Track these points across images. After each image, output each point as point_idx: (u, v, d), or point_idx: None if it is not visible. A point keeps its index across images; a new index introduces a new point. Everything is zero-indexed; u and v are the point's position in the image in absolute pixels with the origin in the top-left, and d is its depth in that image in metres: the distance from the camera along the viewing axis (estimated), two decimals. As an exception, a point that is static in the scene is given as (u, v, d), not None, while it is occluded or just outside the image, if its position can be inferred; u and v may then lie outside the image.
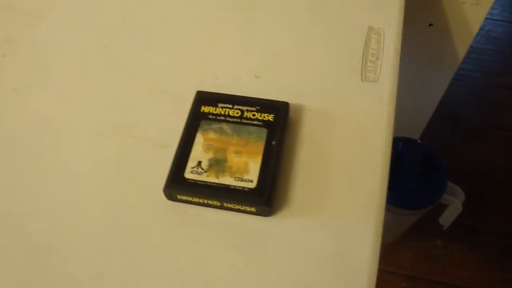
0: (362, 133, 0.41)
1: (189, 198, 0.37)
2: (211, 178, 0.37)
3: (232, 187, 0.36)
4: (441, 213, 1.04)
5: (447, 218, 1.03)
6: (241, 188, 0.36)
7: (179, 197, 0.37)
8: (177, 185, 0.37)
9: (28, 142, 0.42)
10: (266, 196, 0.36)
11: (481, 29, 1.16)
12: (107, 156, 0.41)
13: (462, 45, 0.84)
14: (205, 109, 0.40)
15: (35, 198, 0.39)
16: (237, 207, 0.36)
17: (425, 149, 0.96)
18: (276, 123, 0.39)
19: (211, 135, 0.39)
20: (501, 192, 1.27)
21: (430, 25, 0.81)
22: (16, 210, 0.38)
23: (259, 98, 0.41)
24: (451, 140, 1.36)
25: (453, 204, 0.97)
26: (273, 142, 0.38)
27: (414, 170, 0.93)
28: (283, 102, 0.41)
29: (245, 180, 0.36)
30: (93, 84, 0.45)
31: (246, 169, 0.37)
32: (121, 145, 0.41)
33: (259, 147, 0.38)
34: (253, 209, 0.36)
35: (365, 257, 0.35)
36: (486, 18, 0.79)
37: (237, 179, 0.36)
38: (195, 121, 0.40)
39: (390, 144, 0.41)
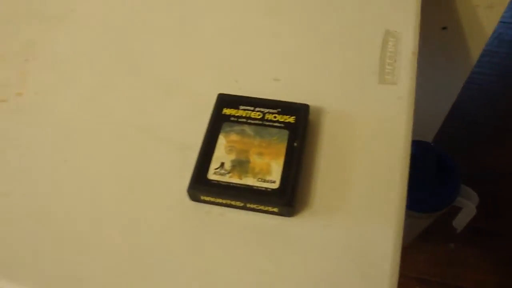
0: (381, 134, 0.42)
1: (212, 199, 0.38)
2: (234, 179, 0.37)
3: (255, 188, 0.37)
4: (455, 216, 1.04)
5: (461, 221, 1.02)
6: (263, 189, 0.37)
7: (202, 198, 0.38)
8: (201, 185, 0.37)
9: (53, 146, 0.43)
10: (288, 197, 0.36)
11: (493, 32, 1.17)
12: (130, 159, 0.41)
13: (475, 48, 0.84)
14: (227, 111, 0.41)
15: (62, 201, 0.40)
16: (260, 207, 0.37)
17: (439, 152, 0.96)
18: (297, 125, 0.40)
19: (233, 137, 0.40)
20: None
21: (444, 28, 0.81)
22: (44, 211, 0.39)
23: (279, 100, 0.42)
24: (464, 143, 1.36)
25: (467, 207, 0.97)
26: (295, 144, 0.39)
27: (428, 173, 0.93)
28: (303, 104, 0.42)
29: (267, 181, 0.37)
30: (115, 88, 0.46)
31: (269, 170, 0.37)
32: (144, 147, 0.42)
33: (281, 149, 0.39)
34: (275, 209, 0.37)
35: (387, 257, 0.35)
36: (499, 21, 0.79)
37: (259, 180, 0.37)
38: (217, 123, 0.41)
39: (410, 144, 0.42)
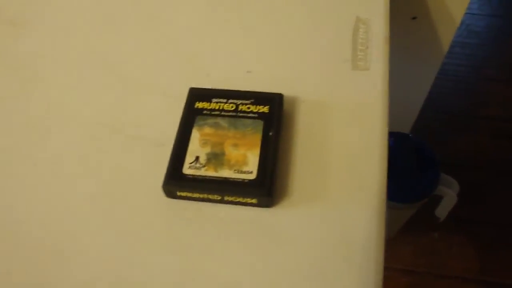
0: (358, 121, 0.41)
1: (189, 194, 0.37)
2: (210, 172, 0.36)
3: (231, 179, 0.36)
4: (436, 205, 1.05)
5: (443, 210, 1.03)
6: (241, 180, 0.36)
7: (178, 193, 0.37)
8: (176, 181, 0.36)
9: (21, 150, 0.41)
10: (267, 186, 0.35)
11: (461, 23, 1.18)
12: (103, 158, 0.40)
13: (446, 37, 0.85)
14: (199, 105, 0.40)
15: (33, 205, 0.38)
16: (238, 199, 0.36)
17: (416, 142, 0.97)
18: (272, 115, 0.39)
19: (207, 130, 0.39)
20: (494, 182, 1.28)
21: (414, 18, 0.82)
22: (13, 217, 0.38)
23: (252, 91, 0.41)
24: (440, 133, 1.38)
25: (448, 195, 0.98)
26: (270, 133, 0.38)
27: (407, 163, 0.93)
28: (276, 93, 0.41)
29: (244, 172, 0.36)
30: (84, 87, 0.45)
31: (245, 161, 0.37)
32: (117, 146, 0.41)
33: (256, 139, 0.38)
34: (254, 201, 0.36)
35: (370, 242, 0.35)
36: (466, 13, 0.80)
37: (236, 171, 0.36)
38: (190, 117, 0.40)
39: (387, 130, 0.41)
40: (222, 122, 0.39)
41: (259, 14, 0.50)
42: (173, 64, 0.46)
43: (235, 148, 0.38)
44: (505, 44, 1.60)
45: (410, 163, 0.93)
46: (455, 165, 1.23)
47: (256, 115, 0.39)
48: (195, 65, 0.46)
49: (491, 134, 1.38)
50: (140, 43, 0.48)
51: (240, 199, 0.36)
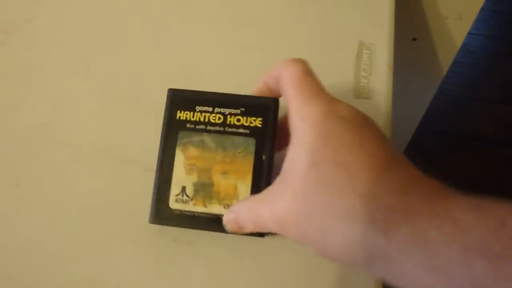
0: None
1: (177, 227, 0.35)
2: (198, 207, 0.34)
3: (222, 217, 0.33)
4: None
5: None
6: None
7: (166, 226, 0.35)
8: (163, 218, 0.34)
9: (4, 167, 0.39)
10: None
11: (459, 42, 1.18)
12: (90, 182, 0.38)
13: (445, 60, 0.84)
14: (182, 115, 0.36)
15: (14, 229, 0.36)
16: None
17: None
18: (265, 130, 0.35)
19: (192, 151, 0.35)
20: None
21: (414, 39, 0.81)
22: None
23: (242, 95, 0.37)
24: (433, 153, 1.37)
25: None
26: (263, 157, 0.35)
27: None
28: (271, 98, 0.36)
29: None
30: (72, 105, 0.43)
31: (235, 194, 0.34)
32: (105, 170, 0.39)
33: (248, 164, 0.34)
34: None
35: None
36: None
37: (226, 206, 0.34)
38: (172, 133, 0.36)
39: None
40: (208, 140, 0.35)
41: (258, 34, 0.48)
42: (166, 85, 0.44)
43: (224, 177, 0.34)
44: (500, 65, 1.60)
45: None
46: (448, 187, 1.22)
47: (247, 131, 0.35)
48: (192, 85, 0.44)
49: (484, 156, 1.37)
50: (135, 60, 0.46)
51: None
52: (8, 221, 0.36)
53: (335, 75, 0.44)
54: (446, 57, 0.83)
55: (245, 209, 0.32)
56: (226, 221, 0.32)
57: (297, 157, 0.28)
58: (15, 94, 0.44)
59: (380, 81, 0.44)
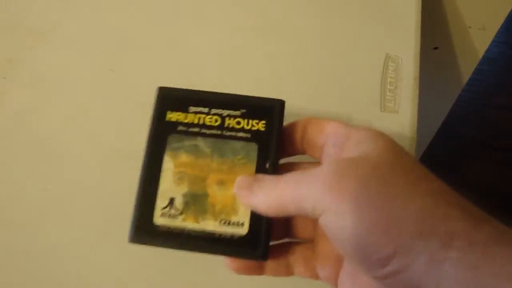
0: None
1: (163, 248, 0.29)
2: (189, 223, 0.28)
3: (217, 235, 0.28)
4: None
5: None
6: (229, 237, 0.28)
7: (149, 246, 0.29)
8: (145, 235, 0.29)
9: (32, 171, 0.40)
10: (262, 246, 0.28)
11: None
12: (114, 186, 0.39)
13: (466, 69, 0.84)
14: (172, 116, 0.31)
15: (41, 234, 0.37)
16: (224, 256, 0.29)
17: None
18: (269, 134, 0.30)
19: (184, 157, 0.30)
20: (500, 214, 1.26)
21: (435, 48, 0.80)
22: (20, 244, 0.36)
23: (242, 95, 0.32)
24: (449, 160, 1.36)
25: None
26: (267, 165, 0.29)
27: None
28: (276, 100, 0.31)
29: (233, 224, 0.29)
30: (99, 109, 0.43)
31: (234, 208, 0.29)
32: (129, 174, 0.39)
33: (248, 173, 0.29)
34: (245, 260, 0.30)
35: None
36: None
37: (223, 222, 0.28)
38: (161, 136, 0.30)
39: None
40: (203, 145, 0.30)
41: (287, 44, 0.48)
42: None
43: (221, 187, 0.29)
44: (518, 73, 1.59)
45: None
46: (462, 194, 1.21)
47: (248, 135, 0.30)
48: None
49: (501, 164, 1.36)
50: (159, 67, 0.46)
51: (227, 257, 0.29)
52: (37, 225, 0.37)
53: (362, 87, 0.44)
54: (467, 67, 0.83)
55: (268, 184, 0.27)
56: (240, 181, 0.28)
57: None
58: (43, 99, 0.44)
59: (405, 94, 0.44)
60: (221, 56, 0.47)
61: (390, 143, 0.26)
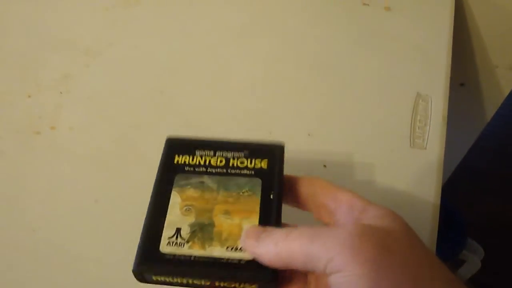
0: (409, 199, 0.42)
1: (168, 279, 0.29)
2: (195, 250, 0.29)
3: (224, 260, 0.28)
4: (457, 268, 1.04)
5: (464, 274, 1.02)
6: (236, 262, 0.28)
7: (154, 278, 0.29)
8: (151, 263, 0.28)
9: (84, 184, 0.43)
10: (271, 270, 0.28)
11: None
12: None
13: (491, 106, 0.86)
14: (180, 159, 0.32)
15: (91, 245, 0.40)
16: (232, 285, 0.29)
17: (445, 205, 0.96)
18: (272, 170, 0.32)
19: (190, 192, 0.31)
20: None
21: (462, 85, 0.83)
22: (72, 254, 0.39)
23: (244, 141, 0.33)
24: (469, 192, 1.36)
25: (472, 261, 0.97)
26: (271, 196, 0.31)
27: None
28: (276, 143, 0.33)
29: (240, 250, 0.29)
30: (148, 128, 0.47)
31: (240, 234, 0.29)
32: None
33: (254, 204, 0.30)
34: (254, 287, 0.29)
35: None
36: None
37: (229, 248, 0.29)
38: (168, 176, 0.32)
39: (438, 209, 0.42)
40: (209, 181, 0.31)
41: (321, 78, 0.51)
42: (234, 117, 0.48)
43: (228, 217, 0.30)
44: (542, 110, 1.59)
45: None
46: (481, 227, 1.22)
47: (252, 172, 0.32)
48: (256, 121, 0.47)
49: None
50: (206, 91, 0.50)
51: (236, 285, 0.29)
52: (86, 236, 0.40)
53: (393, 123, 0.47)
54: (491, 104, 0.85)
55: (279, 234, 0.27)
56: (248, 231, 0.29)
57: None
58: (96, 115, 0.48)
59: (434, 132, 0.47)
60: (261, 85, 0.50)
61: (407, 225, 0.27)
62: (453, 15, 0.55)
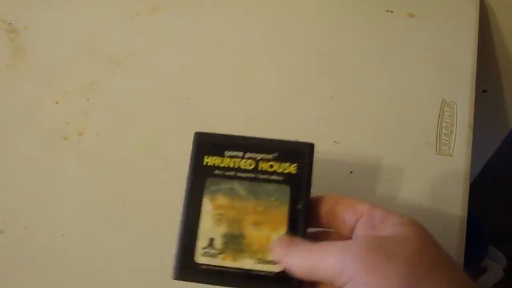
0: (436, 207, 0.42)
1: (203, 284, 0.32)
2: (227, 262, 0.31)
3: (254, 272, 0.31)
4: (479, 276, 1.02)
5: (485, 283, 1.01)
6: (265, 274, 0.31)
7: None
8: (188, 273, 0.31)
9: (112, 189, 0.44)
10: (296, 281, 0.30)
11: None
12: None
13: (513, 113, 0.85)
14: (210, 160, 0.33)
15: (118, 249, 0.40)
16: None
17: (467, 212, 0.95)
18: (300, 177, 0.33)
19: (221, 199, 0.32)
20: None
21: (484, 91, 0.82)
22: (101, 258, 0.40)
23: (275, 139, 0.34)
24: (494, 201, 1.35)
25: (494, 269, 0.96)
26: (299, 206, 0.32)
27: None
28: (306, 143, 0.34)
29: (269, 262, 0.31)
30: (173, 135, 0.47)
31: (269, 246, 0.31)
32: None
33: (282, 214, 0.32)
34: None
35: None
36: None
37: (259, 260, 0.31)
38: (199, 180, 0.33)
39: (465, 215, 0.42)
40: (239, 187, 0.33)
41: (348, 86, 0.50)
42: (263, 123, 0.48)
43: (257, 228, 0.32)
44: None
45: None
46: (503, 236, 1.20)
47: (280, 178, 0.33)
48: (281, 129, 0.47)
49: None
50: (230, 99, 0.50)
51: None
52: (115, 241, 0.41)
53: (419, 130, 0.47)
54: (514, 111, 0.84)
55: (304, 247, 0.30)
56: (277, 242, 0.31)
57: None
58: (122, 121, 0.49)
59: (460, 139, 0.46)
60: (287, 92, 0.50)
61: (423, 231, 0.29)
62: (477, 21, 0.55)
